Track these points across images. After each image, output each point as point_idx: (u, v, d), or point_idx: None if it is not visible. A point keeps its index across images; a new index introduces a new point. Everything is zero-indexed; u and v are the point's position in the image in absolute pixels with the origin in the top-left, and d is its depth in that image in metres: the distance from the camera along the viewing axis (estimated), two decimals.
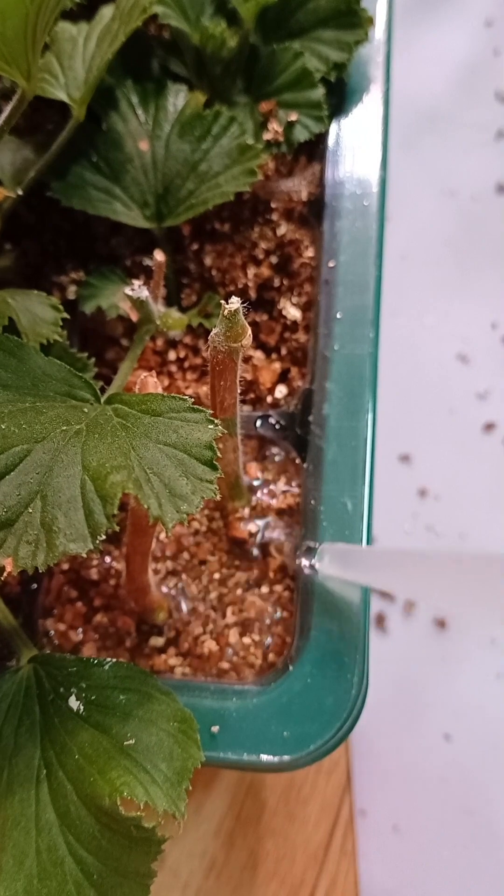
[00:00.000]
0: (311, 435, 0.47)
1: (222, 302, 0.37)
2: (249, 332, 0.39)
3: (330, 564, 0.43)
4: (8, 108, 0.38)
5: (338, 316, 0.49)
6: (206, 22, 0.50)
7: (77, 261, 0.52)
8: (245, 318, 0.52)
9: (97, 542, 0.32)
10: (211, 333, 0.39)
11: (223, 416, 0.43)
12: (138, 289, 0.42)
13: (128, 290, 0.42)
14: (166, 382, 0.50)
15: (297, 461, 0.48)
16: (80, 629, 0.46)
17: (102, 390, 0.48)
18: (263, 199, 0.52)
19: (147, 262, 0.52)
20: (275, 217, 0.53)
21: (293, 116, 0.48)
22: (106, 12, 0.47)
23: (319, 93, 0.48)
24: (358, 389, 0.48)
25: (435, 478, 0.70)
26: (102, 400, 0.39)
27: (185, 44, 0.52)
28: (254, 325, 0.52)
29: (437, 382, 0.73)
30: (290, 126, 0.49)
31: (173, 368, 0.51)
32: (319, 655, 0.44)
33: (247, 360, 0.51)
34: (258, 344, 0.52)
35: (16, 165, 0.49)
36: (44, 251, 0.53)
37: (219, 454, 0.35)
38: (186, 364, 0.51)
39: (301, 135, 0.49)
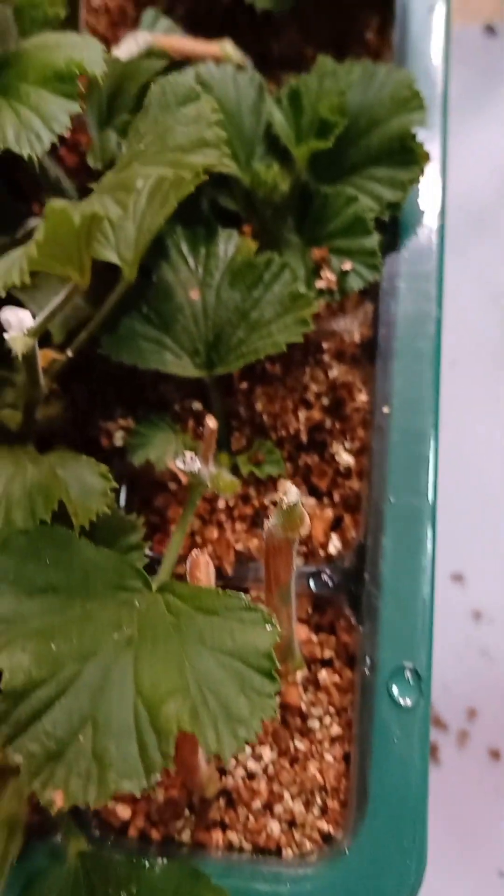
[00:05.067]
0: (367, 593, 0.46)
1: (281, 497, 0.35)
2: (307, 519, 0.37)
3: None
4: (58, 299, 0.37)
5: (393, 465, 0.47)
6: (256, 164, 0.49)
7: (125, 406, 0.51)
8: (296, 461, 0.51)
9: (152, 781, 0.30)
10: (267, 524, 0.37)
11: (277, 588, 0.41)
12: (190, 461, 0.41)
13: (179, 464, 0.41)
14: (215, 534, 0.48)
15: (353, 622, 0.46)
16: (129, 802, 0.45)
17: (152, 548, 0.47)
18: (314, 339, 0.51)
19: (196, 406, 0.51)
20: (326, 358, 0.51)
21: (347, 265, 0.47)
22: None
23: (374, 240, 0.47)
24: (415, 546, 0.46)
25: (490, 599, 0.67)
26: (154, 587, 0.38)
27: (236, 182, 0.51)
28: (305, 467, 0.51)
29: (490, 496, 0.71)
30: (343, 275, 0.47)
31: (222, 517, 0.49)
32: (377, 836, 0.42)
33: None
34: (309, 488, 0.51)
35: (65, 314, 0.48)
36: (92, 396, 0.52)
37: (278, 664, 0.34)
38: (236, 513, 0.49)
39: (355, 283, 0.47)
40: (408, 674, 0.44)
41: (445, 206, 0.52)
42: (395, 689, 0.44)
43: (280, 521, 0.37)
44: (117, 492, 0.50)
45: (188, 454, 0.41)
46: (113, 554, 0.38)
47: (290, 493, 0.36)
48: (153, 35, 0.48)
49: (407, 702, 0.44)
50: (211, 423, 0.42)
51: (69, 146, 0.57)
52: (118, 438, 0.50)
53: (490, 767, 0.63)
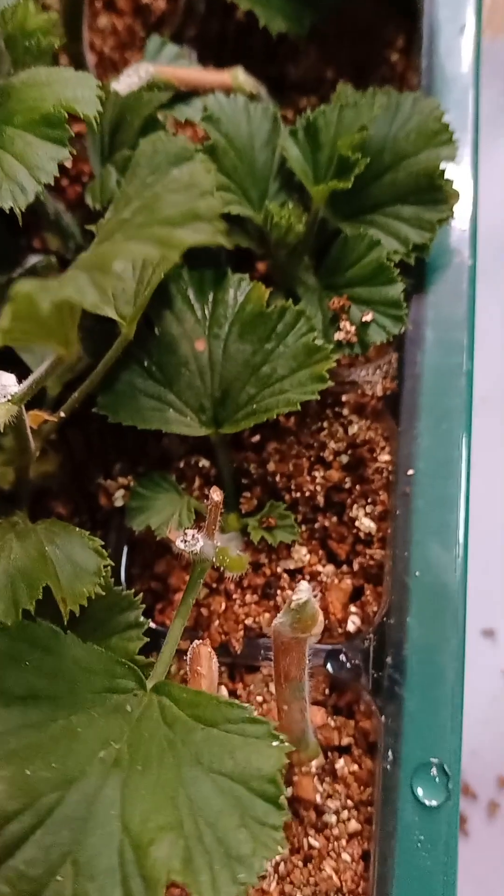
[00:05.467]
0: (389, 679, 0.41)
1: (291, 596, 0.31)
2: (321, 618, 0.33)
3: None
4: (42, 369, 0.33)
5: (417, 535, 0.43)
6: (270, 203, 0.45)
7: (125, 461, 0.47)
8: (312, 524, 0.47)
9: None
10: (275, 622, 0.33)
11: (288, 685, 0.37)
12: (192, 541, 0.37)
13: (180, 544, 0.37)
14: (223, 605, 0.45)
15: (373, 708, 0.42)
16: None
17: (153, 618, 0.43)
18: (332, 390, 0.46)
19: (202, 463, 0.47)
20: (345, 412, 0.47)
21: (368, 316, 0.43)
22: None
23: (398, 289, 0.43)
24: (444, 629, 0.42)
25: None
26: (149, 686, 0.34)
27: (248, 219, 0.47)
28: (322, 530, 0.47)
29: None
30: (364, 326, 0.43)
31: (231, 586, 0.45)
32: None
33: (314, 576, 0.46)
34: (327, 554, 0.46)
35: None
36: (90, 445, 0.48)
37: (285, 793, 0.30)
38: (245, 582, 0.45)
39: (377, 336, 0.43)
40: (434, 770, 0.40)
41: (477, 244, 0.47)
42: (419, 790, 0.39)
43: (290, 620, 0.33)
44: (117, 555, 0.46)
45: (189, 533, 0.37)
46: (104, 654, 0.34)
47: (301, 590, 0.32)
48: (156, 66, 0.44)
49: (432, 802, 0.39)
50: (216, 495, 0.38)
51: (71, 177, 0.54)
52: (118, 498, 0.46)
53: None
